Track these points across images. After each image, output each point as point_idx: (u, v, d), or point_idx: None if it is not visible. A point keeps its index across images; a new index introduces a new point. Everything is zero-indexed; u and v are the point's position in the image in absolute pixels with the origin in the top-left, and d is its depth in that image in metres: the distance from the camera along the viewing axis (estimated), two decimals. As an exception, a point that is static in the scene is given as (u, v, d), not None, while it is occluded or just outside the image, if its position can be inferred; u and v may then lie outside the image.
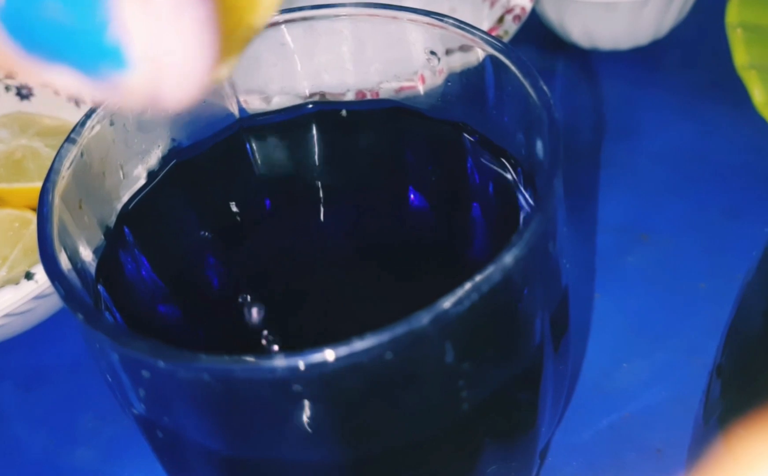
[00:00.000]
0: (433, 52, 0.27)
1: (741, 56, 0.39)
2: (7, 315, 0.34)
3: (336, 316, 0.27)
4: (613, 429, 0.33)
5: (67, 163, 0.24)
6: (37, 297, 0.35)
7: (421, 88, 0.28)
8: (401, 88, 0.29)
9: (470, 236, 0.28)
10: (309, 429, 0.19)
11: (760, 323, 0.20)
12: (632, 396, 0.34)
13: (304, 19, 0.27)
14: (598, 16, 0.45)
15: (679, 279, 0.38)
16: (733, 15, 0.41)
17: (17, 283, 0.34)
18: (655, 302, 0.37)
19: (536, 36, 0.50)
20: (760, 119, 0.40)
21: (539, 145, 0.22)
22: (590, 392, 0.34)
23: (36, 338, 0.39)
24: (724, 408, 0.22)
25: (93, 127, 0.25)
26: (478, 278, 0.18)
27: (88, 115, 0.25)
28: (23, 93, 0.47)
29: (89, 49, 0.13)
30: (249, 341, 0.26)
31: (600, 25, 0.46)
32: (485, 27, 0.42)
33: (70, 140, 0.24)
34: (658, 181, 0.42)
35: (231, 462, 0.20)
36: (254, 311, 0.26)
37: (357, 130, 0.29)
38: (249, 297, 0.27)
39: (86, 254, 0.24)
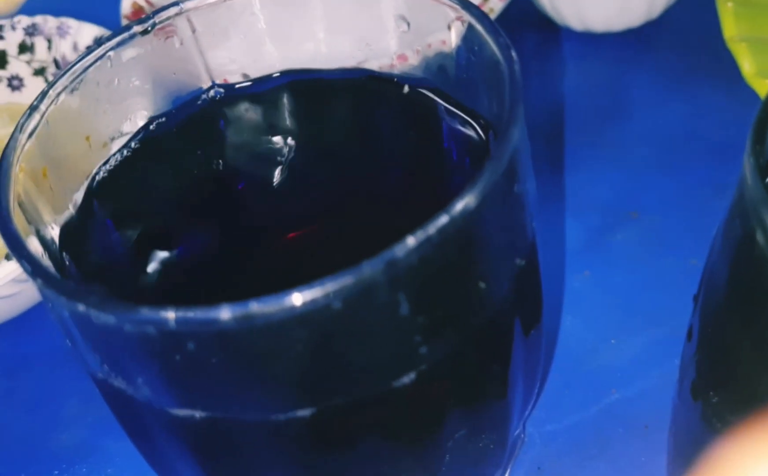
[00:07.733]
0: (402, 18, 0.26)
1: (730, 29, 0.38)
2: (-12, 298, 0.34)
3: (310, 274, 0.27)
4: (600, 405, 0.32)
5: (27, 130, 0.23)
6: (19, 280, 0.35)
7: (398, 66, 0.28)
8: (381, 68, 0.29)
9: (446, 196, 0.27)
10: (261, 383, 0.19)
11: (722, 283, 0.20)
12: (620, 373, 0.33)
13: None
14: (590, -3, 0.45)
15: (668, 256, 0.37)
16: (723, -11, 0.40)
17: (-1, 265, 0.34)
18: (644, 279, 0.36)
19: (529, 19, 0.49)
20: (750, 97, 0.40)
21: (502, 99, 0.21)
22: (577, 368, 0.34)
23: (19, 327, 0.39)
24: (695, 371, 0.22)
25: (57, 96, 0.25)
26: (428, 227, 0.18)
27: (51, 85, 0.25)
28: (14, 85, 0.47)
29: None
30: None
31: (592, 7, 0.46)
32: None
33: (32, 107, 0.24)
34: (649, 159, 0.41)
35: (185, 421, 0.20)
36: (223, 272, 0.26)
37: (331, 97, 0.28)
38: (220, 258, 0.27)
39: (51, 222, 0.24)
